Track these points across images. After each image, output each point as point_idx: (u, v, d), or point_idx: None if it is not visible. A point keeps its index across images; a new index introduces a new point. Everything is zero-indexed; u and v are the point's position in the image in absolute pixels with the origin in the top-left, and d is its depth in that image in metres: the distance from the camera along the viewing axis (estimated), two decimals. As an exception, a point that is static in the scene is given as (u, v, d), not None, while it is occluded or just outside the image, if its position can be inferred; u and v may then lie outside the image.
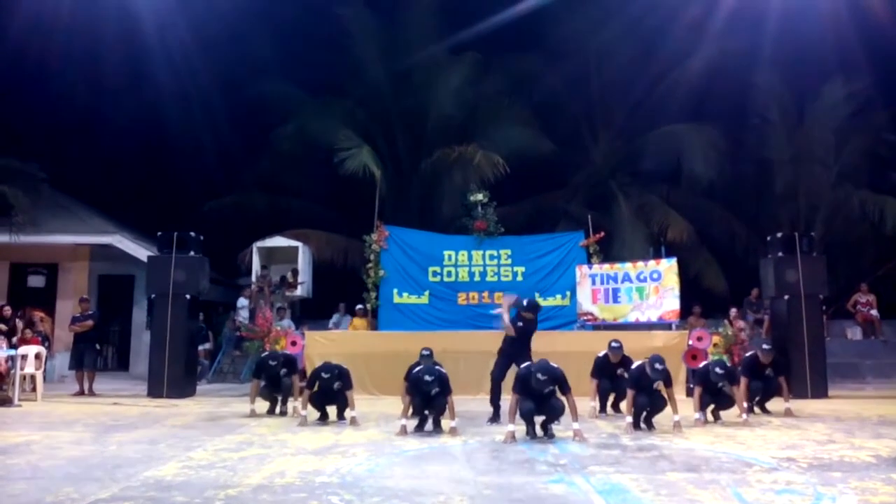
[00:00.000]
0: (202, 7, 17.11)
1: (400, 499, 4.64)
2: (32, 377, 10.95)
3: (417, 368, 7.70)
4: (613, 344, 8.93)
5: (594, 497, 4.69)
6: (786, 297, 11.27)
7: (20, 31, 16.16)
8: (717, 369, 8.04)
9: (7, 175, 14.14)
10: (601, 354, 9.08)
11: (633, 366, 8.15)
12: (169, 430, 7.72)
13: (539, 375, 6.83)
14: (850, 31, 16.59)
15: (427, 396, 7.40)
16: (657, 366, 7.58)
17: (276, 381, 8.97)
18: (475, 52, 17.63)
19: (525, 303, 8.60)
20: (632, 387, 7.78)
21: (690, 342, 11.01)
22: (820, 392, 10.84)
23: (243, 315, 14.34)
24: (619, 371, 8.74)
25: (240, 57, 18.73)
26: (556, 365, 7.12)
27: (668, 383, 7.79)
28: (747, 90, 17.95)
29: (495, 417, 8.23)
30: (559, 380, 7.03)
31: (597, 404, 8.98)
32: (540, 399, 7.02)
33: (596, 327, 12.49)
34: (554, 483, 5.09)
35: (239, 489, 4.87)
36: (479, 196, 13.80)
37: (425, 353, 8.46)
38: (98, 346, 12.32)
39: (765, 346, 9.32)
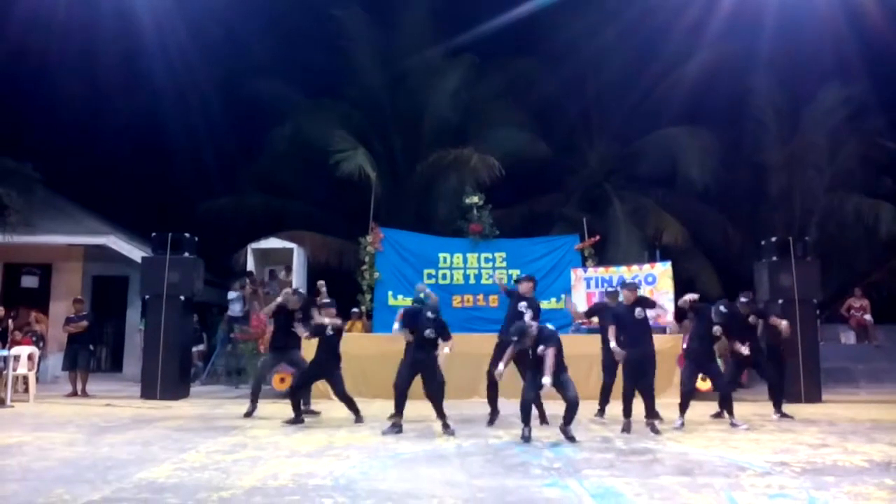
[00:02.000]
0: (198, 7, 17.10)
1: (393, 501, 4.63)
2: (25, 378, 10.91)
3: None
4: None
5: (588, 501, 4.69)
6: (780, 301, 11.29)
7: (15, 30, 16.11)
8: (721, 307, 8.24)
9: (1, 175, 14.07)
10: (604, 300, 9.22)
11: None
12: (162, 431, 7.69)
13: (511, 331, 7.14)
14: (847, 36, 16.67)
15: (422, 336, 7.62)
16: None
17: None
18: (471, 54, 17.65)
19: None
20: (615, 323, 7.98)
21: (685, 346, 11.00)
22: (814, 396, 10.87)
23: (234, 309, 14.23)
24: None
25: (236, 58, 18.74)
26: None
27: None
28: (743, 94, 18.00)
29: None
30: (545, 338, 7.00)
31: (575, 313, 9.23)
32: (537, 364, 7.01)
33: (591, 331, 12.47)
34: (548, 487, 5.08)
35: (232, 491, 4.86)
36: (475, 198, 13.80)
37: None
38: (92, 347, 12.26)
39: (742, 299, 9.35)
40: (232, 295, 14.53)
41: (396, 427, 7.53)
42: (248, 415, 8.90)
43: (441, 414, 7.57)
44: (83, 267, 15.83)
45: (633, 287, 8.23)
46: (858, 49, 16.92)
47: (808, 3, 16.41)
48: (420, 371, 7.65)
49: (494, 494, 4.85)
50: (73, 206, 16.64)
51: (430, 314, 7.76)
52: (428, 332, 7.62)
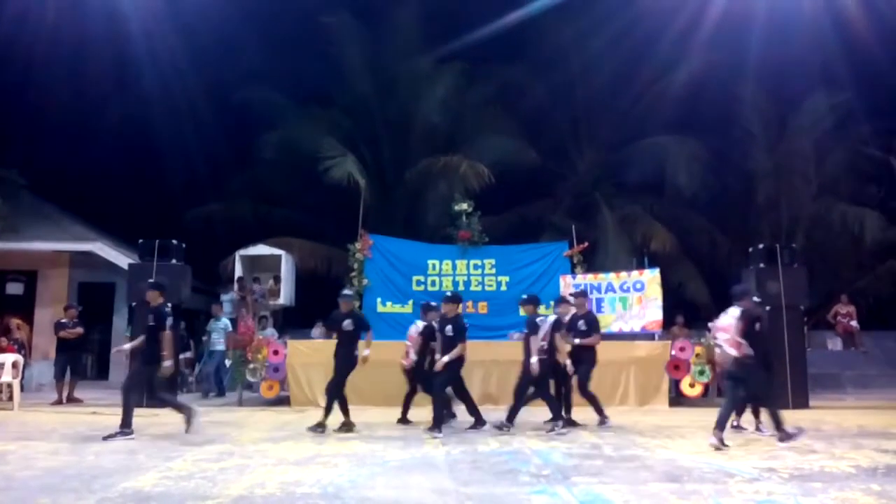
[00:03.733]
0: (187, 13, 17.07)
1: (381, 510, 4.61)
2: (9, 386, 10.80)
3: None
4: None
5: (576, 508, 4.68)
6: (767, 307, 11.33)
7: (2, 37, 16.02)
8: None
9: (-13, 181, 14.03)
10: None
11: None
12: (148, 439, 7.62)
13: None
14: (833, 45, 16.83)
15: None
16: None
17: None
18: (461, 61, 17.69)
19: None
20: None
21: (673, 352, 11.05)
22: (801, 402, 10.90)
23: (227, 310, 14.11)
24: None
25: (225, 64, 18.71)
26: None
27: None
28: (731, 102, 18.12)
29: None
30: None
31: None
32: None
33: None
34: (537, 494, 5.07)
35: (219, 500, 4.81)
36: (464, 205, 13.81)
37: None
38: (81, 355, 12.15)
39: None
40: (224, 297, 14.49)
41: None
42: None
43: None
44: (69, 273, 15.69)
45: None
46: (844, 58, 17.09)
47: (794, 12, 16.57)
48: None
49: (483, 502, 4.83)
50: (60, 212, 16.53)
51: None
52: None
